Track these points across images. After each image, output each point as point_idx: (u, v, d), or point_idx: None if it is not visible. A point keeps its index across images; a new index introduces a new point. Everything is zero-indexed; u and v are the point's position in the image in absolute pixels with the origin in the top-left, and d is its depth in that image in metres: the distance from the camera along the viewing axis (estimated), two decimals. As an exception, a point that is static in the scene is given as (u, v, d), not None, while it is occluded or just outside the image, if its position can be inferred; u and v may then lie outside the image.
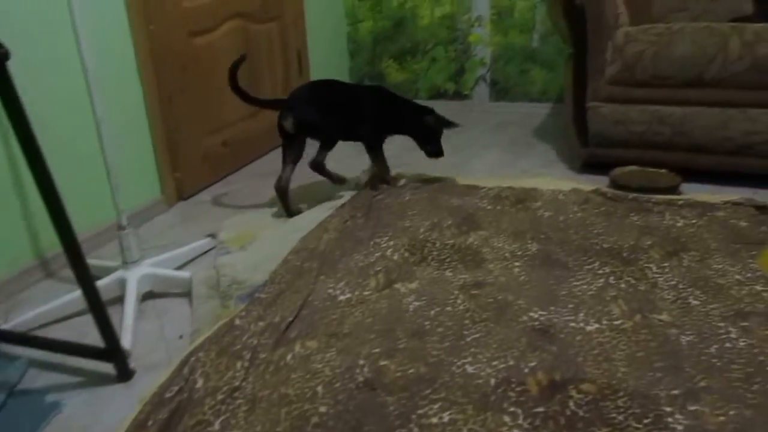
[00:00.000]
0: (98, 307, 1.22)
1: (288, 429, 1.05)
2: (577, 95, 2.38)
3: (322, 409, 1.08)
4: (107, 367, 1.30)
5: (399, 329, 1.30)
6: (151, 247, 1.88)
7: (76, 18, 1.39)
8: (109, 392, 1.27)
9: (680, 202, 1.90)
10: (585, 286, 1.45)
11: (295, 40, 3.03)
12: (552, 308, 1.36)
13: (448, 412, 1.06)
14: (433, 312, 1.36)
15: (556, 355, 1.19)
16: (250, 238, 1.88)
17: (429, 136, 2.15)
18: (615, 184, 2.14)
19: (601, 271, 1.52)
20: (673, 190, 2.08)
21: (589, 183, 2.15)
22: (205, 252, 1.87)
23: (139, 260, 1.63)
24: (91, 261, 1.53)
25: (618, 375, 1.13)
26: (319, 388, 1.13)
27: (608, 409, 1.05)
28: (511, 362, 1.17)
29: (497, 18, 3.31)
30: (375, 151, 2.17)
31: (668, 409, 1.04)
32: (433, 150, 2.16)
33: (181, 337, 1.45)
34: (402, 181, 2.21)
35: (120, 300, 1.54)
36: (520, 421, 1.03)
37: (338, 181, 2.20)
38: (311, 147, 2.10)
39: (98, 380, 1.30)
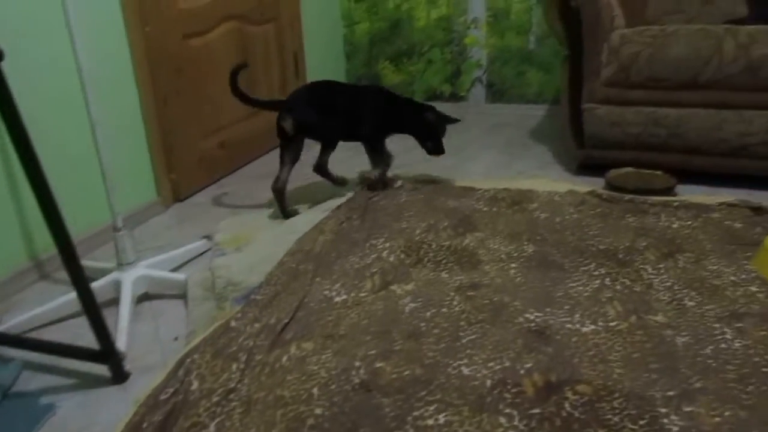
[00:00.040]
0: (93, 309, 1.22)
1: (283, 431, 1.04)
2: (572, 97, 2.38)
3: (318, 411, 1.08)
4: (102, 369, 1.29)
5: (395, 331, 1.30)
6: (147, 248, 1.87)
7: (70, 19, 1.38)
8: (103, 394, 1.26)
9: (675, 204, 1.91)
10: (581, 288, 1.46)
11: (292, 42, 3.03)
12: (548, 309, 1.36)
13: (443, 414, 1.06)
14: (429, 313, 1.36)
15: (551, 357, 1.19)
16: (245, 240, 1.87)
17: (430, 133, 2.15)
18: (611, 186, 2.15)
19: (596, 273, 1.52)
20: (669, 191, 2.08)
21: (585, 184, 2.15)
22: (201, 254, 1.86)
23: (134, 262, 1.62)
24: (86, 263, 1.53)
25: (613, 376, 1.13)
26: (315, 390, 1.13)
27: (604, 411, 1.05)
28: (507, 363, 1.17)
29: (493, 20, 3.32)
30: (375, 151, 2.17)
31: (664, 410, 1.04)
32: (434, 147, 2.16)
33: (176, 338, 1.44)
34: (398, 183, 2.21)
35: (115, 302, 1.53)
36: (515, 423, 1.03)
37: (340, 183, 2.20)
38: (309, 148, 2.10)
39: (93, 382, 1.29)
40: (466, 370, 1.16)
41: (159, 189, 2.24)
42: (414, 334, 1.28)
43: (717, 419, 1.02)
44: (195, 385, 1.18)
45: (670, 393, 1.08)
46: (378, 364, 1.19)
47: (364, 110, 2.10)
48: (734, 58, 2.04)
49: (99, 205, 1.71)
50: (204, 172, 2.47)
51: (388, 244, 1.70)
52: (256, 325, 1.36)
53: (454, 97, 3.53)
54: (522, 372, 1.15)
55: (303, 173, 2.11)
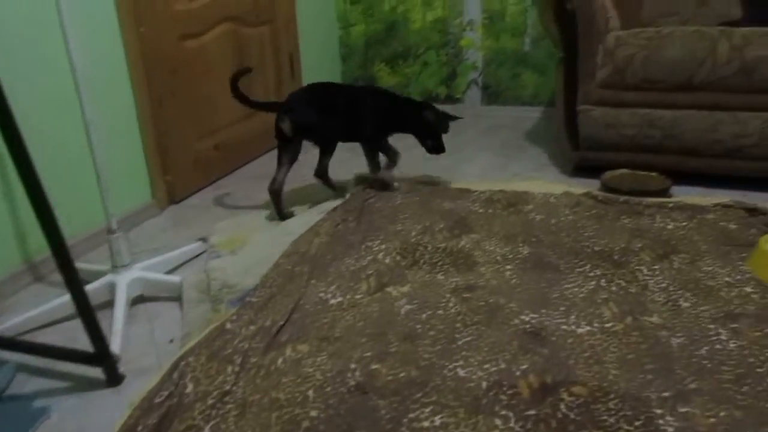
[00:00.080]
0: (87, 312, 1.22)
1: (279, 433, 1.04)
2: (568, 99, 2.39)
3: (313, 413, 1.08)
4: (96, 372, 1.29)
5: (390, 333, 1.30)
6: (142, 250, 1.87)
7: (64, 19, 1.38)
8: (98, 397, 1.26)
9: (670, 205, 1.91)
10: (576, 289, 1.46)
11: (287, 44, 3.02)
12: (543, 311, 1.36)
13: (439, 416, 1.06)
14: (424, 315, 1.36)
15: (547, 358, 1.19)
16: (241, 242, 1.87)
17: (430, 132, 2.15)
18: (606, 187, 2.15)
19: (592, 274, 1.52)
20: (664, 192, 2.09)
21: (580, 186, 2.16)
22: (196, 256, 1.86)
23: (129, 264, 1.62)
24: (81, 265, 1.53)
25: (609, 377, 1.13)
26: (310, 392, 1.13)
27: (599, 412, 1.05)
28: (503, 365, 1.17)
29: (489, 22, 3.32)
30: (374, 151, 2.16)
31: (659, 411, 1.04)
32: (434, 145, 2.16)
33: (171, 341, 1.44)
34: (394, 185, 2.21)
35: (110, 304, 1.52)
36: (511, 425, 1.03)
37: (339, 191, 2.20)
38: (306, 150, 2.09)
39: (87, 385, 1.29)
40: (461, 372, 1.16)
41: (154, 191, 2.23)
42: (410, 336, 1.28)
43: (712, 420, 1.02)
44: (190, 387, 1.17)
45: (666, 394, 1.08)
46: (373, 366, 1.18)
47: (363, 111, 2.10)
48: (729, 60, 2.04)
49: (93, 207, 1.70)
50: (199, 173, 2.46)
51: (383, 246, 1.69)
52: (252, 328, 1.36)
53: (450, 99, 3.53)
54: (518, 373, 1.14)
55: (299, 175, 2.11)
